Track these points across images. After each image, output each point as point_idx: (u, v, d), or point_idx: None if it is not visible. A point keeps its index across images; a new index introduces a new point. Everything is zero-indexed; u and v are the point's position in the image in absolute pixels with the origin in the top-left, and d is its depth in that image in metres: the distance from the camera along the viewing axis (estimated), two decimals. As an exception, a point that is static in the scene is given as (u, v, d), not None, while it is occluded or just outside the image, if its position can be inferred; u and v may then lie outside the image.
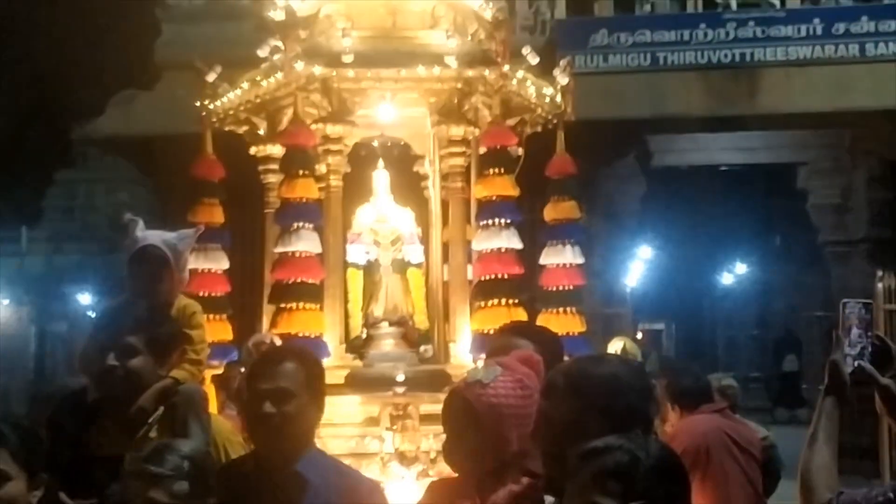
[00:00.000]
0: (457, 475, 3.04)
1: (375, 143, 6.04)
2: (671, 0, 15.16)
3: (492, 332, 5.27)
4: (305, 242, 5.30)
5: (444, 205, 5.89)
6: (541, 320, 5.75)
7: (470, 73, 5.46)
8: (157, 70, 15.44)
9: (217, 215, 5.84)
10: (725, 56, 14.60)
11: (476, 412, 2.72)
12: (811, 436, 2.60)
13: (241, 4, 15.24)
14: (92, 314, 26.72)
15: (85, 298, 25.93)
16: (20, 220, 25.24)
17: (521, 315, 5.50)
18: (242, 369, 5.32)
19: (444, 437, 4.76)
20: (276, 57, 5.73)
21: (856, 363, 2.64)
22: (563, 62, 6.18)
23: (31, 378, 23.87)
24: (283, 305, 5.29)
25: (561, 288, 5.96)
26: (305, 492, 2.98)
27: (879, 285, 11.45)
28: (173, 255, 4.29)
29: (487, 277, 5.55)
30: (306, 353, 3.47)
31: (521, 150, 5.86)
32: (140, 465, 2.64)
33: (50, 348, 25.66)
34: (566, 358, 4.43)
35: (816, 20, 14.60)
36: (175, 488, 2.60)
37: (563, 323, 5.83)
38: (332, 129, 5.55)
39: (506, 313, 5.38)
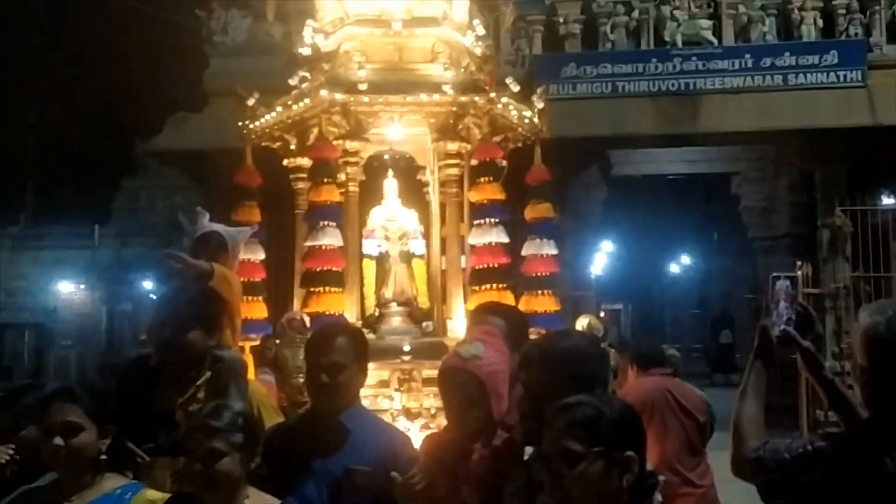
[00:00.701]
0: (449, 429, 3.06)
1: (386, 156, 6.04)
2: (628, 39, 15.17)
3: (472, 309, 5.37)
4: (330, 238, 5.30)
5: (442, 207, 5.87)
6: (522, 302, 5.78)
7: (463, 99, 5.45)
8: (205, 96, 15.44)
9: (255, 215, 5.82)
10: (672, 85, 14.63)
11: (481, 380, 2.76)
12: (741, 391, 2.54)
13: (273, 42, 15.25)
14: (153, 296, 26.71)
15: (146, 284, 25.92)
16: (93, 220, 25.25)
17: (510, 297, 5.49)
18: (277, 341, 5.35)
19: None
20: (304, 85, 5.75)
21: (782, 328, 2.61)
22: (539, 90, 6.17)
23: (102, 349, 23.86)
24: (311, 289, 5.29)
25: (539, 274, 5.96)
26: (346, 438, 3.02)
27: (799, 273, 11.49)
28: (231, 243, 4.37)
29: (481, 266, 5.55)
30: (355, 329, 3.50)
31: (505, 162, 5.84)
32: (203, 420, 2.64)
33: (118, 325, 25.64)
34: (542, 331, 4.47)
35: (747, 55, 14.65)
36: (232, 439, 2.60)
37: (540, 303, 5.85)
38: (350, 145, 5.53)
39: (496, 296, 5.34)
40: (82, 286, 24.40)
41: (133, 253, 24.57)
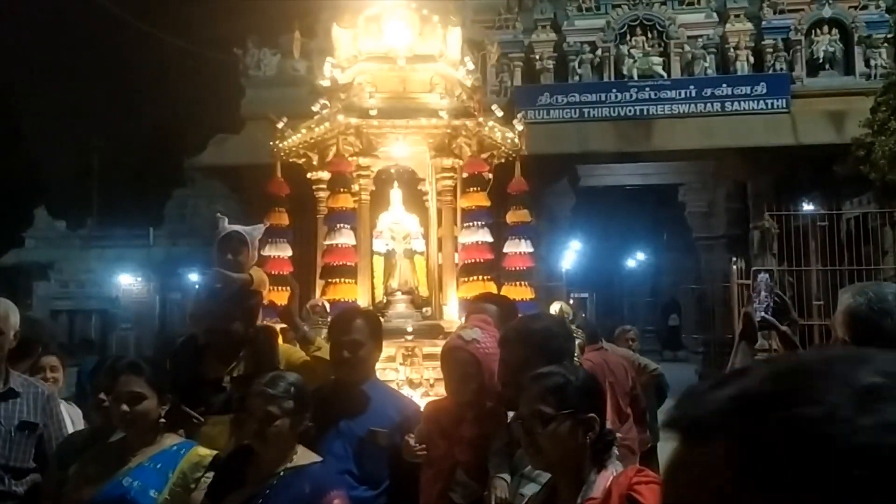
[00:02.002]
0: (447, 399, 3.07)
1: (392, 170, 6.00)
2: (592, 72, 15.20)
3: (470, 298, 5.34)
4: (345, 238, 5.29)
5: (439, 212, 5.84)
6: (504, 291, 5.71)
7: (456, 122, 5.44)
8: (242, 120, 15.43)
9: (284, 219, 5.79)
10: (629, 111, 14.67)
11: (478, 359, 2.81)
12: (730, 369, 2.41)
13: (299, 75, 15.22)
14: (196, 286, 26.68)
15: (193, 277, 25.88)
16: (149, 223, 25.21)
17: (493, 287, 5.46)
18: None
19: (439, 372, 4.77)
20: (324, 111, 5.73)
21: (762, 315, 2.58)
22: (519, 116, 6.13)
23: (156, 330, 23.83)
24: (330, 280, 5.28)
25: (518, 268, 5.94)
26: (367, 404, 3.08)
27: (734, 267, 11.51)
28: (249, 240, 4.34)
29: (469, 261, 5.54)
30: (371, 313, 3.51)
31: (490, 175, 5.82)
32: (261, 388, 2.64)
33: (169, 311, 25.62)
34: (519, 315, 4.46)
35: (691, 86, 14.70)
36: (284, 405, 2.60)
37: (519, 292, 5.81)
38: (363, 161, 5.52)
39: (482, 286, 5.35)
40: (139, 279, 24.38)
41: (182, 251, 24.55)
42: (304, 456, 2.64)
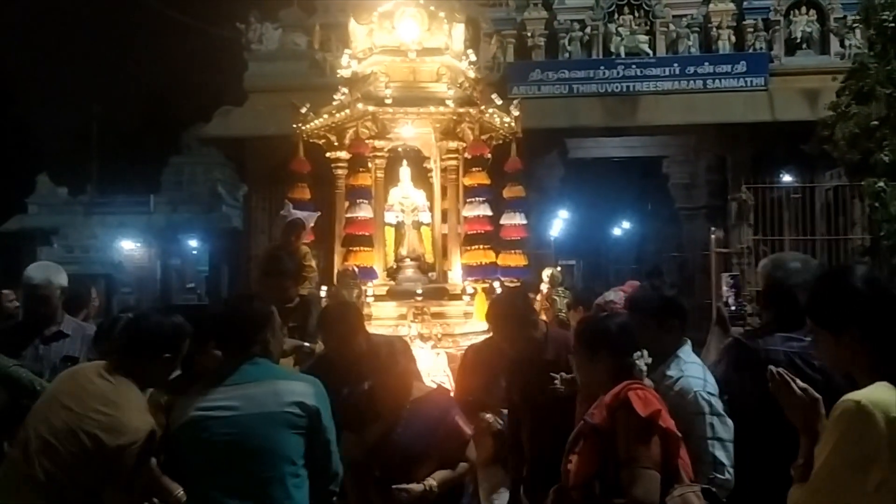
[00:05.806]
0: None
1: (400, 149, 6.47)
2: (582, 50, 15.59)
3: (477, 263, 5.93)
4: (364, 211, 5.81)
5: (443, 188, 6.30)
6: (500, 258, 6.24)
7: (460, 110, 5.91)
8: (245, 93, 15.79)
9: (306, 193, 6.22)
10: (616, 87, 15.10)
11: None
12: (706, 349, 3.12)
13: (300, 50, 15.63)
14: (195, 250, 27.16)
15: (192, 243, 26.41)
16: (149, 190, 25.64)
17: (492, 255, 6.00)
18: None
19: (446, 325, 5.43)
20: (342, 98, 6.23)
21: (732, 308, 3.29)
22: (515, 101, 6.52)
23: (157, 295, 24.34)
24: (351, 248, 5.81)
25: (513, 238, 6.43)
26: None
27: (713, 236, 12.09)
28: (307, 226, 5.21)
29: (473, 232, 6.07)
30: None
31: (489, 155, 6.33)
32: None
33: (168, 276, 26.12)
34: (514, 280, 5.10)
35: (675, 64, 15.13)
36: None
37: (513, 259, 6.33)
38: (378, 143, 6.00)
39: (483, 254, 5.91)
40: (140, 244, 24.83)
41: (181, 217, 25.02)
42: (420, 388, 3.19)
